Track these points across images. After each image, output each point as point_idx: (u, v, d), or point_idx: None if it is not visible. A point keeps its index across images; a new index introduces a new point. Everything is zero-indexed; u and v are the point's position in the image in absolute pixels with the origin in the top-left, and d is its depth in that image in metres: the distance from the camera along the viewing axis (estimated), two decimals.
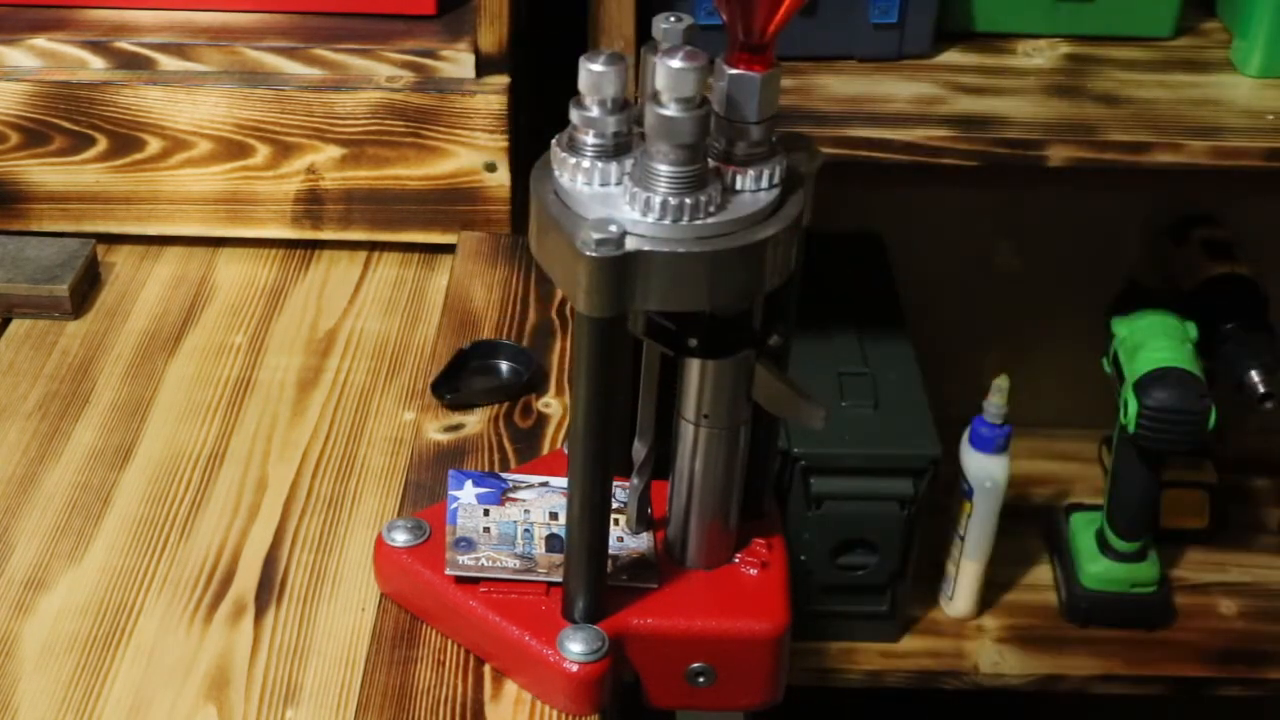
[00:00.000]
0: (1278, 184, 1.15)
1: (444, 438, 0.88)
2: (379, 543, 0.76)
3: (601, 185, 0.63)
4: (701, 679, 0.72)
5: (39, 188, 1.04)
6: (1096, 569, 1.44)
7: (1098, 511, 1.46)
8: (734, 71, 0.62)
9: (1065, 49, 1.22)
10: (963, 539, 1.40)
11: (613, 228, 0.60)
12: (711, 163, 0.63)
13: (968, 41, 1.22)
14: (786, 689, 0.76)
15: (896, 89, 1.16)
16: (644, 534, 0.75)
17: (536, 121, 1.12)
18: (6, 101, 1.01)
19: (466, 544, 0.74)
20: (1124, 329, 1.38)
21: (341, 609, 0.78)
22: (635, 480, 0.74)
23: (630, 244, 0.61)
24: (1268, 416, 1.41)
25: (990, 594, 1.47)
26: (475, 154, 1.03)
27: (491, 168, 1.03)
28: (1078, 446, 1.62)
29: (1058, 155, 1.11)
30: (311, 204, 1.05)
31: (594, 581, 0.70)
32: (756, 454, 0.74)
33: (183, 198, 1.04)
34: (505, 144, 1.02)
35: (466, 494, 0.77)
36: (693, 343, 0.69)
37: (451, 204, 1.04)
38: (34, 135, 1.02)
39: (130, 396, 0.92)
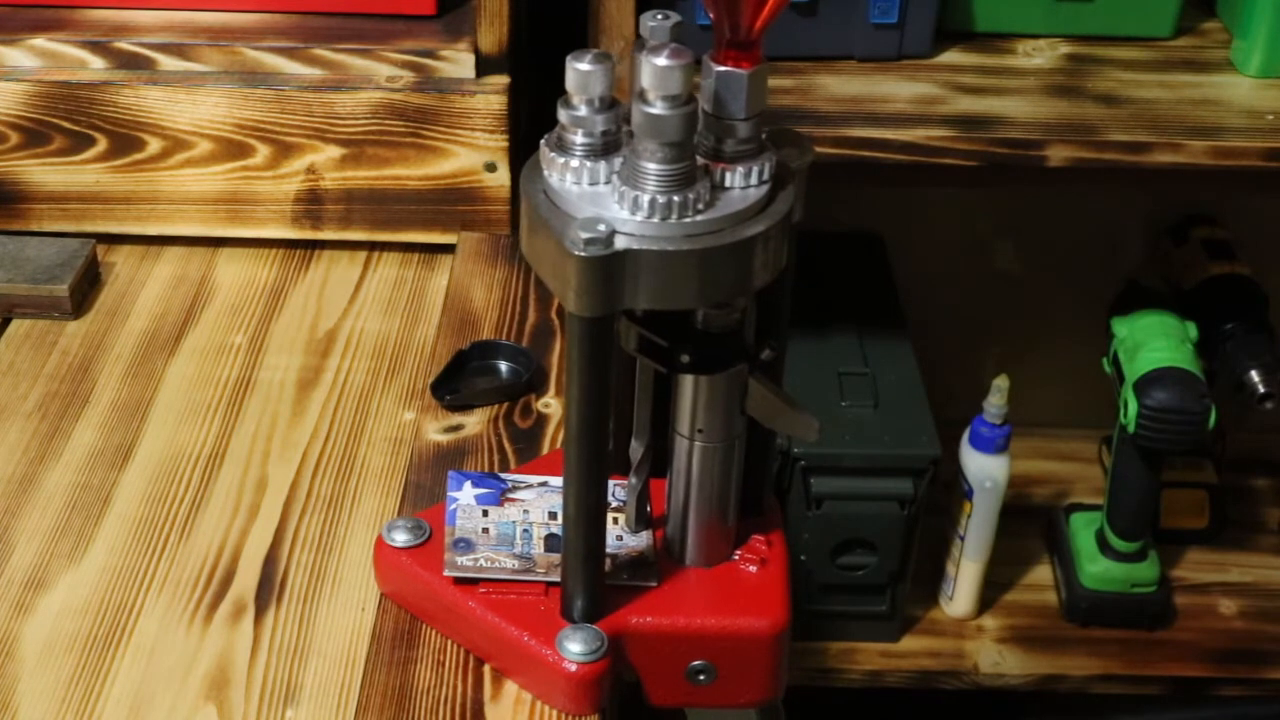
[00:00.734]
0: (1278, 184, 1.15)
1: (444, 438, 0.88)
2: (379, 543, 0.76)
3: (590, 184, 0.63)
4: (702, 677, 0.72)
5: (39, 188, 1.04)
6: (1096, 569, 1.44)
7: (1098, 511, 1.46)
8: (721, 68, 0.62)
9: (1065, 49, 1.22)
10: (963, 539, 1.41)
11: (601, 227, 0.60)
12: (700, 160, 0.63)
13: (968, 41, 1.22)
14: (786, 689, 0.76)
15: (896, 89, 1.16)
16: (643, 532, 0.75)
17: (537, 122, 1.12)
18: (6, 101, 1.01)
19: (465, 545, 0.74)
20: (1124, 329, 1.38)
21: (341, 609, 0.78)
22: (633, 479, 0.74)
23: (619, 243, 0.61)
24: (1268, 416, 1.41)
25: (990, 594, 1.47)
26: (475, 154, 1.03)
27: (491, 168, 1.03)
28: (1078, 446, 1.62)
29: (1058, 155, 1.11)
30: (311, 204, 1.05)
31: (592, 581, 0.70)
32: (755, 453, 0.74)
33: (183, 198, 1.05)
34: (505, 144, 1.02)
35: (465, 495, 0.77)
36: (685, 359, 0.69)
37: (451, 204, 1.04)
38: (34, 135, 1.02)
39: (130, 396, 0.92)
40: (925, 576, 1.45)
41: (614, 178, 0.62)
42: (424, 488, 0.84)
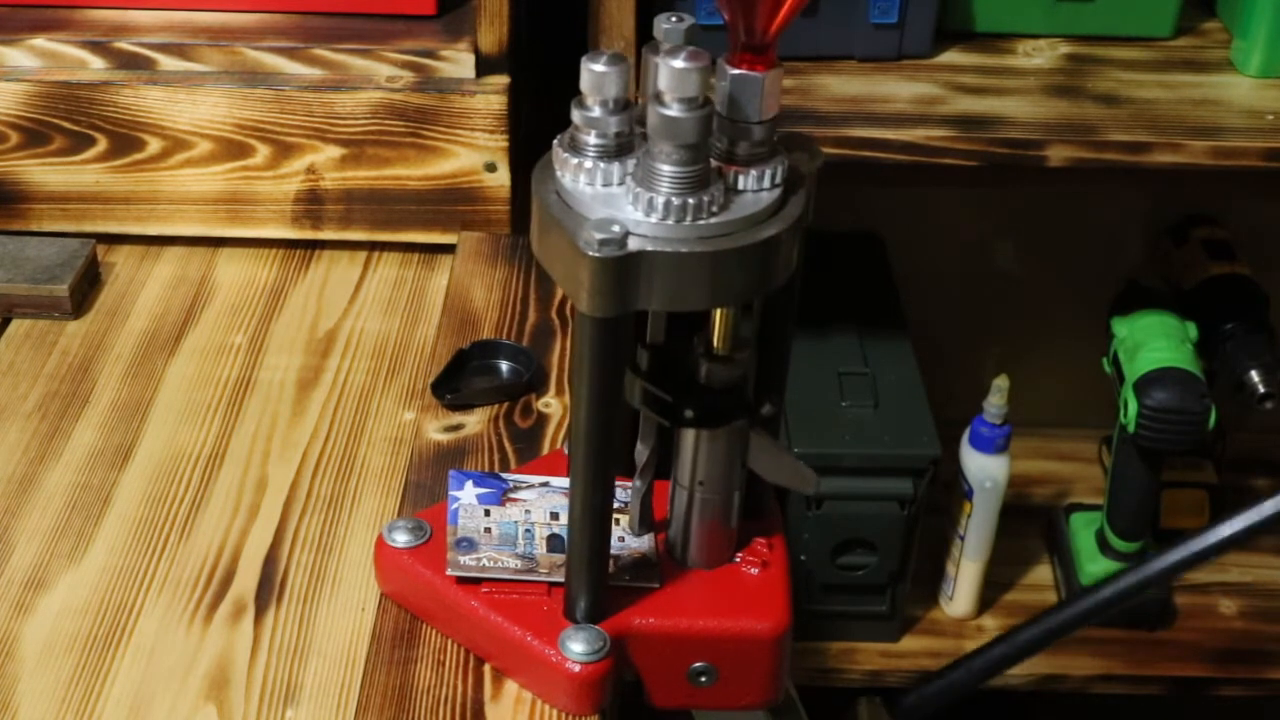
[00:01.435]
0: (1278, 184, 1.16)
1: (444, 438, 0.88)
2: (379, 543, 0.76)
3: (604, 185, 0.63)
4: (703, 678, 0.72)
5: (39, 188, 1.04)
6: (1096, 569, 1.44)
7: (1098, 511, 1.46)
8: (736, 72, 0.62)
9: (1065, 49, 1.22)
10: (963, 539, 1.41)
11: (615, 228, 0.60)
12: (713, 163, 0.63)
13: (968, 41, 1.22)
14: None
15: (896, 89, 1.16)
16: (645, 534, 0.75)
17: (536, 121, 1.12)
18: (6, 101, 1.01)
19: (468, 544, 0.74)
20: (1124, 329, 1.38)
21: (341, 609, 0.78)
22: (638, 483, 0.74)
23: (633, 244, 0.61)
24: (1268, 416, 1.41)
25: (990, 594, 1.47)
26: (475, 154, 1.03)
27: (491, 168, 1.03)
28: (1078, 446, 1.62)
29: (1058, 155, 1.11)
30: (311, 204, 1.04)
31: (595, 582, 0.70)
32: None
33: (183, 198, 1.04)
34: (505, 144, 1.02)
35: (467, 494, 0.77)
36: (689, 413, 0.69)
37: (451, 204, 1.04)
38: (34, 135, 1.02)
39: (130, 396, 0.92)
40: (925, 576, 1.45)
41: (628, 179, 0.62)
42: (424, 487, 0.84)
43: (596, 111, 0.62)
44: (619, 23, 1.10)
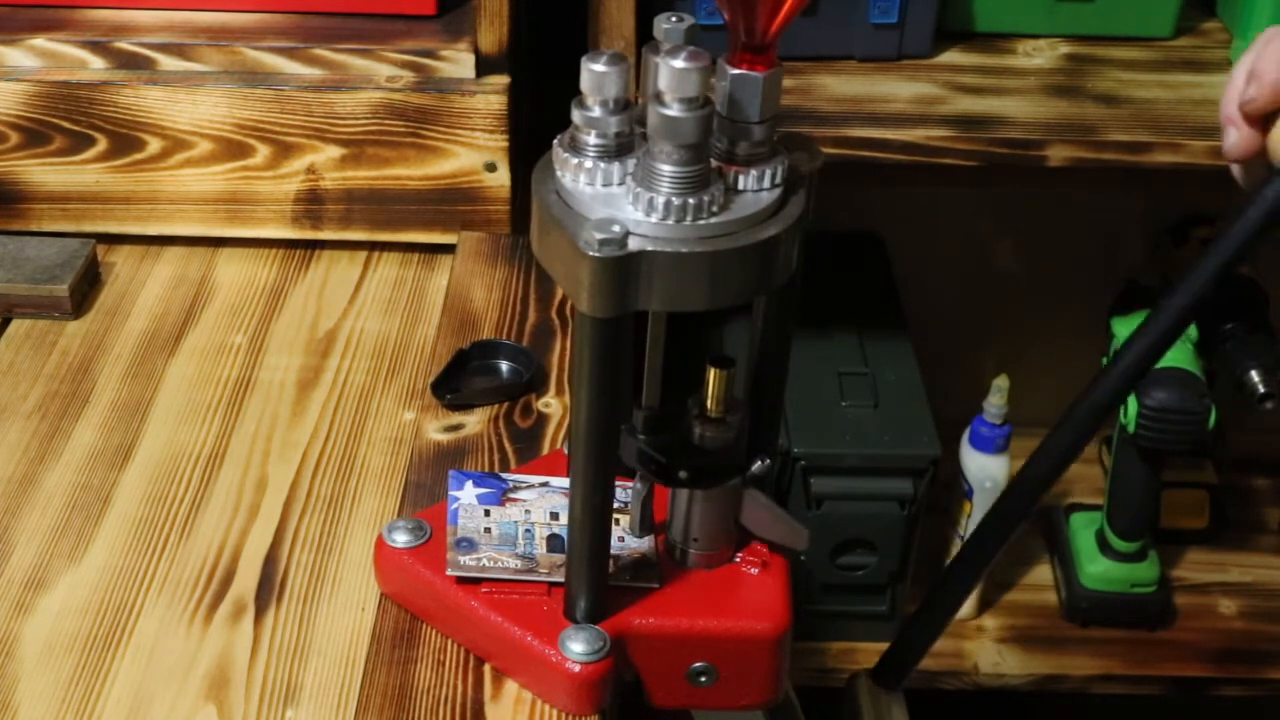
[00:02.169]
0: None
1: (444, 438, 0.88)
2: (379, 544, 0.76)
3: (604, 185, 0.63)
4: (703, 679, 0.72)
5: (39, 188, 1.04)
6: (1096, 569, 1.44)
7: (1098, 511, 1.46)
8: (736, 72, 0.62)
9: (1065, 49, 1.22)
10: (963, 539, 1.40)
11: (616, 228, 0.60)
12: (714, 162, 0.63)
13: (968, 41, 1.22)
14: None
15: (896, 89, 1.16)
16: (645, 535, 0.75)
17: (536, 121, 1.12)
18: (6, 101, 1.01)
19: (468, 544, 0.74)
20: (1124, 329, 1.38)
21: (341, 609, 0.78)
22: (638, 484, 0.74)
23: (633, 244, 0.61)
24: (1268, 416, 1.40)
25: (990, 594, 1.47)
26: (475, 154, 1.03)
27: (491, 168, 1.03)
28: None
29: (1058, 155, 1.11)
30: (311, 204, 1.04)
31: (596, 582, 0.70)
32: (758, 438, 0.74)
33: (183, 198, 1.04)
34: (505, 144, 1.02)
35: (467, 494, 0.77)
36: (683, 474, 0.71)
37: (451, 204, 1.04)
38: (34, 135, 1.02)
39: (130, 396, 0.92)
40: (925, 576, 1.45)
41: (628, 179, 0.62)
42: (424, 487, 0.84)
43: (596, 111, 0.62)
44: (619, 23, 1.10)
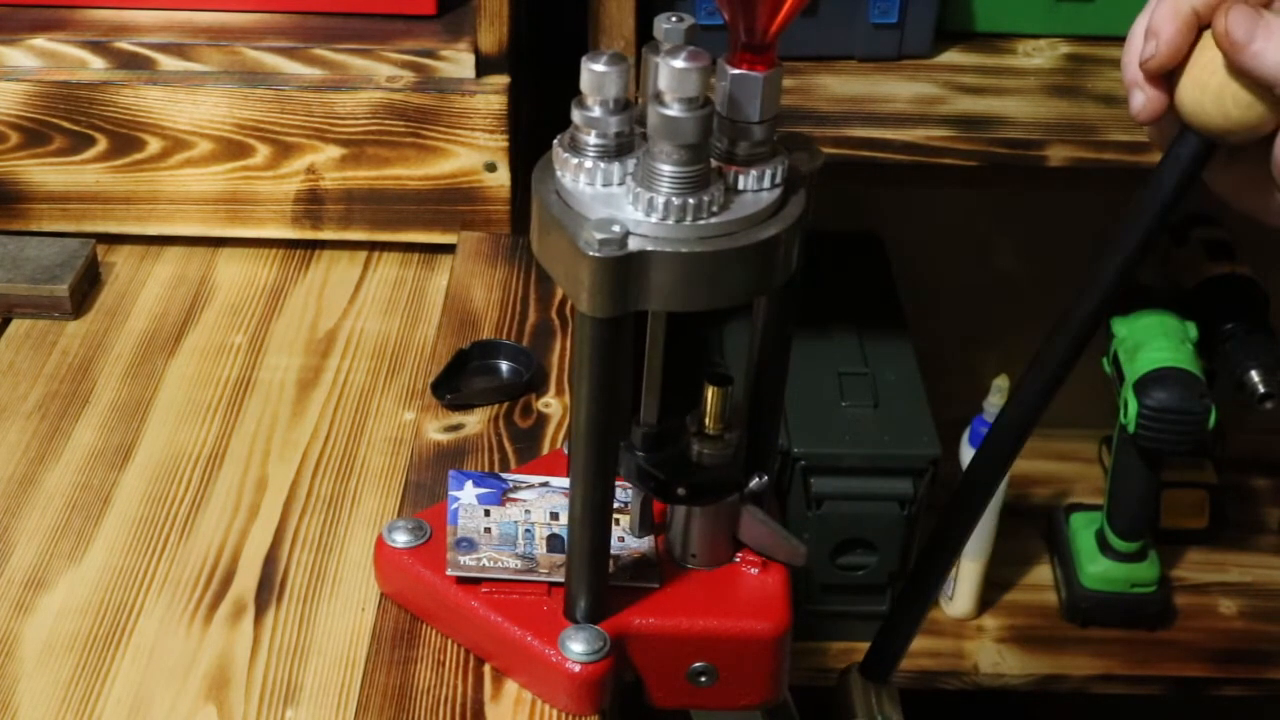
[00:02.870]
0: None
1: (444, 438, 0.88)
2: (379, 544, 0.76)
3: (604, 185, 0.63)
4: (703, 679, 0.72)
5: (39, 188, 1.04)
6: (1096, 569, 1.44)
7: (1098, 511, 1.46)
8: (736, 72, 0.62)
9: (1065, 49, 1.22)
10: None
11: (616, 228, 0.60)
12: (714, 162, 0.63)
13: (968, 41, 1.22)
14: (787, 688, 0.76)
15: (896, 89, 1.17)
16: (645, 535, 0.75)
17: (536, 122, 1.12)
18: (6, 101, 1.01)
19: (468, 544, 0.74)
20: (1124, 329, 1.38)
21: (341, 609, 0.78)
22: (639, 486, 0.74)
23: (633, 244, 0.61)
24: (1268, 416, 1.40)
25: (990, 594, 1.47)
26: (475, 154, 1.03)
27: (491, 168, 1.03)
28: (1078, 446, 1.62)
29: (1058, 155, 1.11)
30: (311, 204, 1.04)
31: (596, 582, 0.70)
32: (755, 455, 0.74)
33: (183, 198, 1.04)
34: (505, 144, 1.02)
35: (467, 494, 0.77)
36: (681, 491, 0.71)
37: (451, 204, 1.04)
38: (34, 135, 1.02)
39: (130, 396, 0.92)
40: None
41: (628, 179, 0.62)
42: (424, 488, 0.84)
43: (596, 111, 0.62)
44: (619, 23, 1.10)
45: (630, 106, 0.63)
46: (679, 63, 0.59)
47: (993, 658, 1.43)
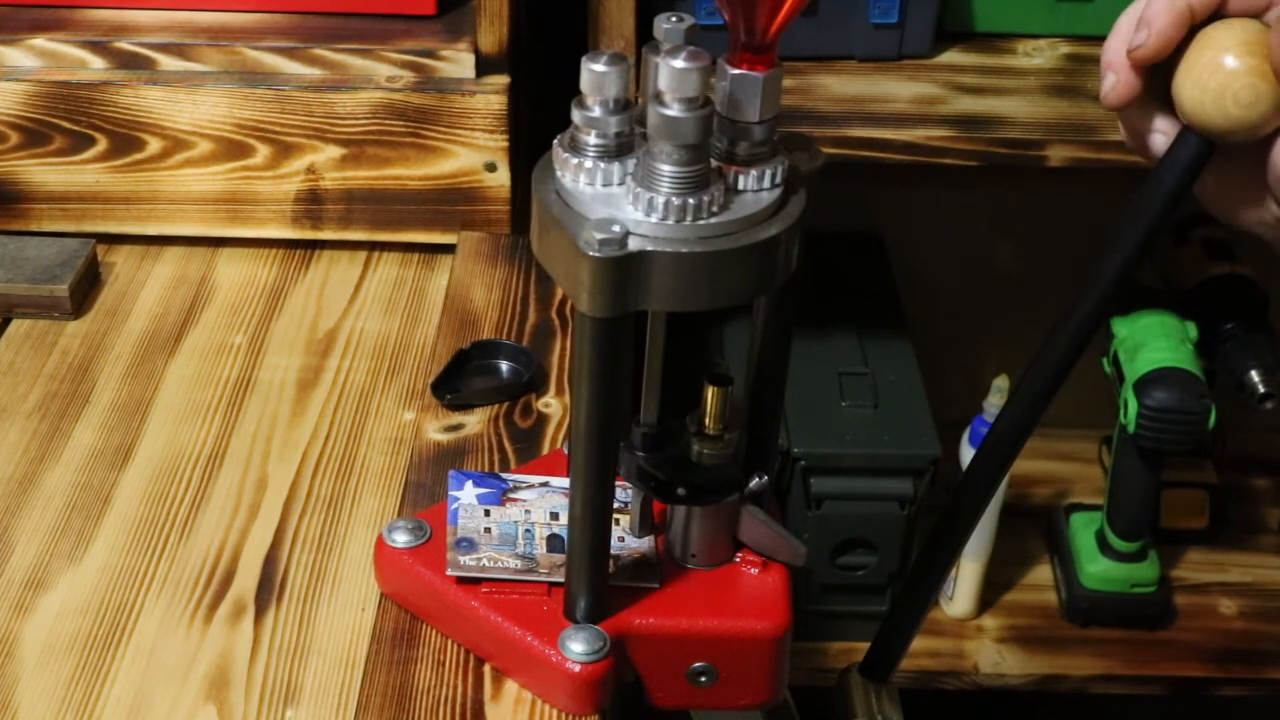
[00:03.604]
0: None
1: (444, 438, 0.88)
2: (379, 544, 0.76)
3: (604, 185, 0.63)
4: (703, 678, 0.72)
5: (39, 188, 1.04)
6: (1096, 569, 1.44)
7: (1098, 511, 1.46)
8: (736, 71, 0.62)
9: (1065, 49, 1.22)
10: None
11: (616, 228, 0.60)
12: (714, 162, 0.63)
13: (968, 41, 1.22)
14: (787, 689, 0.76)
15: (896, 89, 1.17)
16: (645, 535, 0.75)
17: (536, 122, 1.12)
18: (6, 101, 1.01)
19: (468, 544, 0.74)
20: (1124, 329, 1.38)
21: (341, 609, 0.78)
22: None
23: (633, 244, 0.61)
24: (1268, 416, 1.41)
25: (990, 594, 1.47)
26: (475, 154, 1.03)
27: (491, 168, 1.03)
28: (1078, 446, 1.62)
29: (1058, 155, 1.11)
30: (311, 204, 1.05)
31: (596, 582, 0.70)
32: (755, 455, 0.74)
33: (183, 198, 1.04)
34: (505, 144, 1.02)
35: (467, 494, 0.77)
36: (681, 491, 0.71)
37: (451, 204, 1.04)
38: (34, 135, 1.02)
39: (130, 396, 0.92)
40: None
41: (628, 179, 0.62)
42: (424, 488, 0.84)
43: (596, 111, 0.62)
44: (619, 23, 1.10)
45: (630, 106, 0.63)
46: (679, 63, 0.59)
47: (993, 658, 1.43)
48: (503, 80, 1.02)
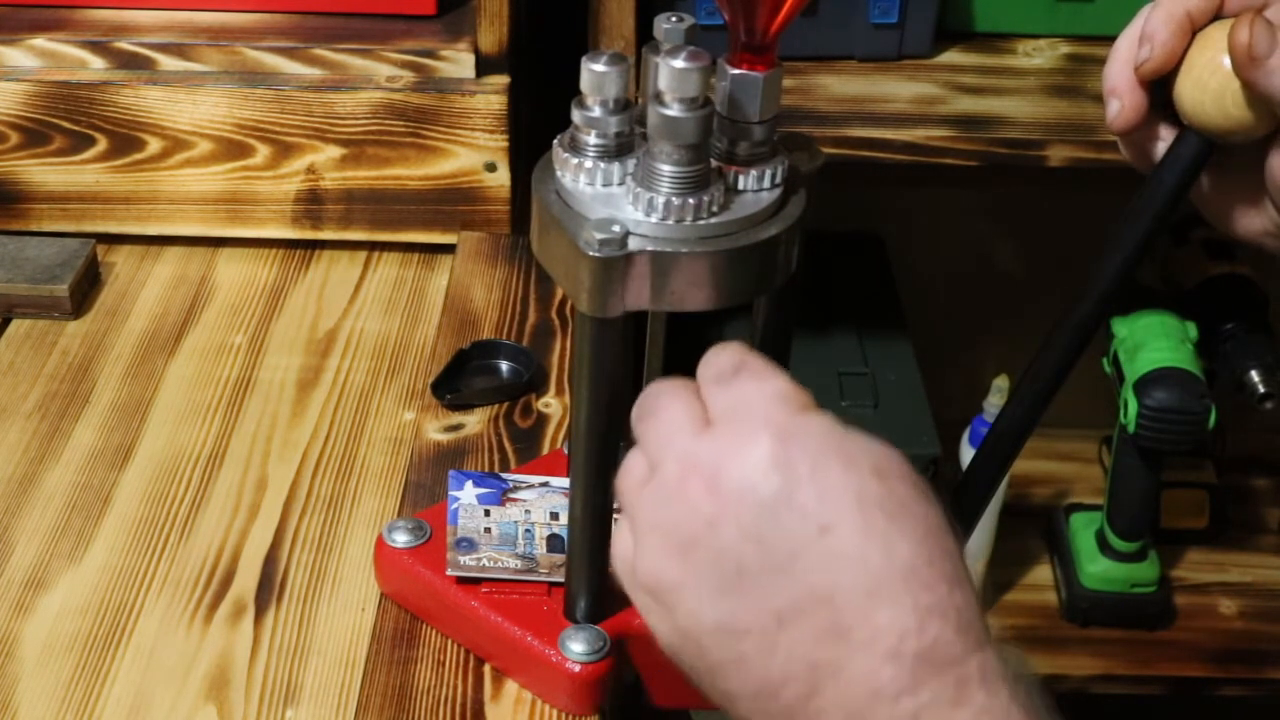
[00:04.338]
0: None
1: (444, 438, 0.88)
2: (379, 544, 0.76)
3: (604, 185, 0.63)
4: None
5: (39, 188, 1.04)
6: (1096, 569, 1.44)
7: (1098, 511, 1.46)
8: (736, 72, 0.62)
9: (1065, 49, 1.22)
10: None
11: (616, 228, 0.60)
12: (714, 162, 0.63)
13: (968, 41, 1.22)
14: None
15: (896, 89, 1.17)
16: None
17: (536, 121, 1.12)
18: (6, 101, 1.01)
19: (468, 544, 0.74)
20: (1124, 329, 1.38)
21: (341, 609, 0.78)
22: None
23: (633, 244, 0.61)
24: (1268, 416, 1.40)
25: (990, 594, 1.47)
26: (475, 154, 1.03)
27: (491, 168, 1.03)
28: (1078, 446, 1.62)
29: (1058, 155, 1.11)
30: (311, 204, 1.05)
31: (595, 581, 0.70)
32: None
33: (183, 198, 1.04)
34: (505, 144, 1.02)
35: (467, 494, 0.77)
36: None
37: (451, 204, 1.04)
38: (34, 135, 1.02)
39: (130, 396, 0.92)
40: None
41: (628, 179, 0.62)
42: (424, 488, 0.84)
43: (596, 111, 0.62)
44: (619, 23, 1.10)
45: (630, 106, 0.63)
46: (679, 63, 0.59)
47: None
48: (503, 80, 1.02)
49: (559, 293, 0.99)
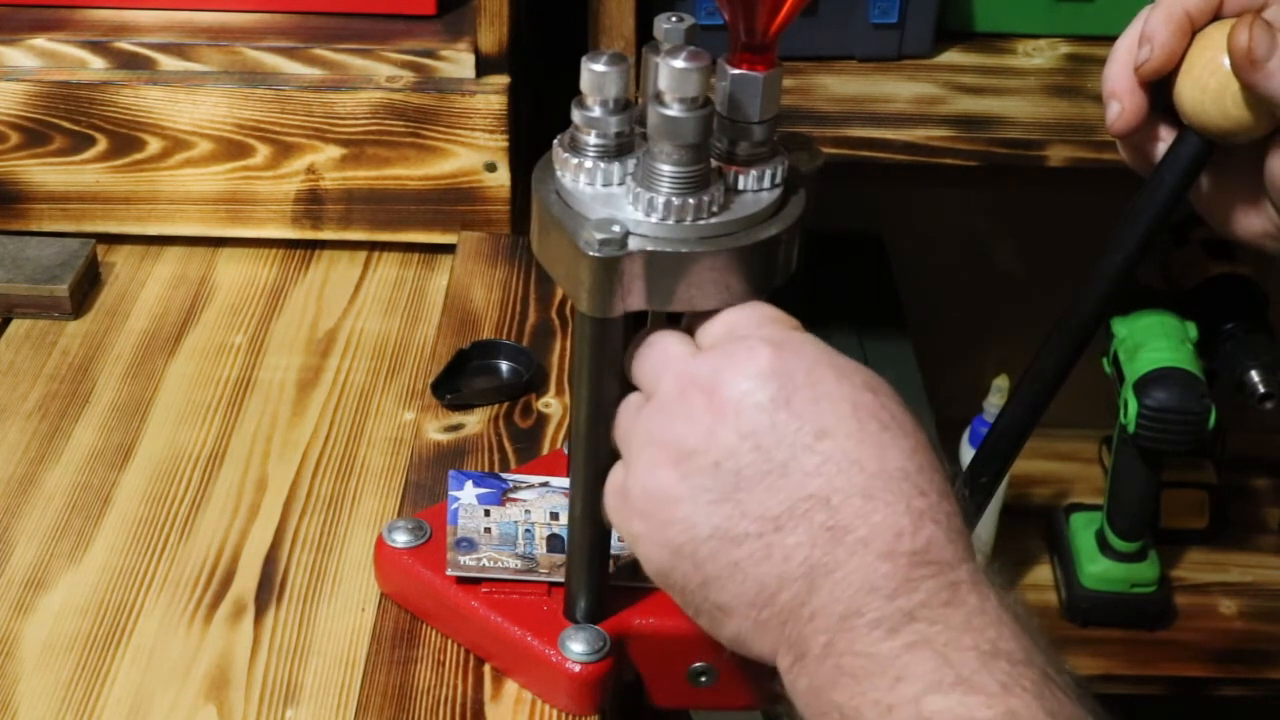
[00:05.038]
0: None
1: (444, 438, 0.88)
2: (379, 544, 0.76)
3: (604, 185, 0.63)
4: (703, 678, 0.72)
5: (39, 188, 1.04)
6: (1096, 569, 1.44)
7: (1098, 511, 1.46)
8: (736, 72, 0.62)
9: (1065, 49, 1.22)
10: None
11: (616, 228, 0.60)
12: (714, 162, 0.63)
13: (968, 41, 1.22)
14: None
15: (896, 89, 1.17)
16: None
17: (536, 121, 1.12)
18: (6, 101, 1.01)
19: (468, 544, 0.74)
20: (1124, 329, 1.38)
21: (341, 609, 0.78)
22: None
23: (633, 244, 0.61)
24: (1268, 416, 1.41)
25: None
26: (475, 154, 1.03)
27: (491, 168, 1.03)
28: (1078, 446, 1.62)
29: (1058, 155, 1.11)
30: (311, 204, 1.05)
31: (595, 581, 0.70)
32: None
33: (183, 198, 1.04)
34: (505, 144, 1.02)
35: (467, 494, 0.77)
36: None
37: (451, 204, 1.04)
38: (34, 135, 1.02)
39: (130, 396, 0.92)
40: None
41: (628, 179, 0.62)
42: (424, 488, 0.84)
43: (596, 111, 0.62)
44: (619, 23, 1.10)
45: (630, 106, 0.63)
46: (679, 63, 0.59)
47: None
48: (503, 80, 1.02)
49: (559, 293, 0.99)
